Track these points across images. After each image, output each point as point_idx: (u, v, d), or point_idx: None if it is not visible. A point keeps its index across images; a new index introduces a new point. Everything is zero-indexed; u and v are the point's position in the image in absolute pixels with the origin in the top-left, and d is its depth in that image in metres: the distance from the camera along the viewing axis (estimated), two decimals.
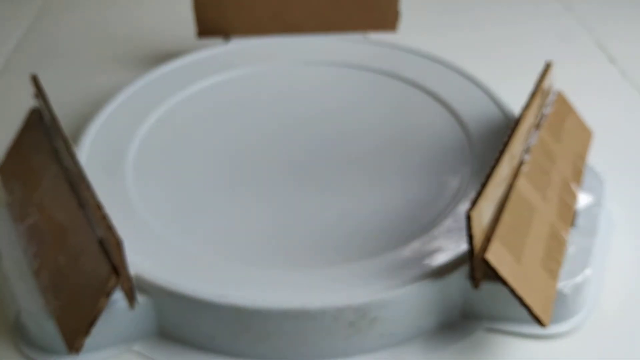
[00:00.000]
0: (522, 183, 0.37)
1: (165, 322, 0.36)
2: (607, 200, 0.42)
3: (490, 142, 0.45)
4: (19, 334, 0.37)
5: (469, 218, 0.31)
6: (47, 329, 0.35)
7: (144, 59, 0.65)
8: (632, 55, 0.65)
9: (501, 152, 0.35)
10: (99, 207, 0.33)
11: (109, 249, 0.33)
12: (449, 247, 0.37)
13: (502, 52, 0.67)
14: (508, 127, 0.46)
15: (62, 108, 0.41)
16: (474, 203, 0.32)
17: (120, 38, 0.69)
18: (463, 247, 0.37)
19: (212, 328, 0.35)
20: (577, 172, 0.42)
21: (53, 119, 0.39)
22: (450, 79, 0.52)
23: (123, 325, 0.36)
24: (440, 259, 0.36)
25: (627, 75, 0.60)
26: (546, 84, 0.44)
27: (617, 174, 0.46)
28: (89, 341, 0.33)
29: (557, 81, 0.47)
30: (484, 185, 0.33)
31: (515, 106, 0.48)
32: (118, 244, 0.31)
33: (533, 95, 0.41)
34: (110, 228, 0.32)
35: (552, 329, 0.36)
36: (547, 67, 0.44)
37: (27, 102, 0.45)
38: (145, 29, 0.71)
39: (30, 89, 0.43)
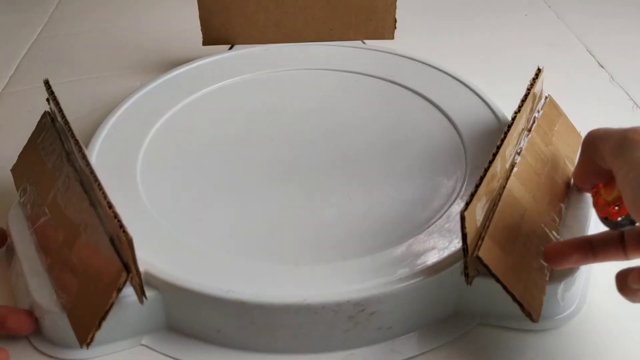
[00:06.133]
0: (513, 184, 0.39)
1: (172, 316, 0.38)
2: None
3: (483, 144, 0.47)
4: None
5: (462, 218, 0.33)
6: (58, 323, 0.36)
7: (152, 66, 0.66)
8: (619, 61, 0.67)
9: (494, 155, 0.37)
10: (110, 206, 0.34)
11: (120, 246, 0.34)
12: (444, 245, 0.39)
13: (494, 57, 0.69)
14: (500, 130, 0.48)
15: (73, 112, 0.42)
16: (467, 204, 0.33)
17: (130, 46, 0.71)
18: (457, 245, 0.38)
19: (218, 322, 0.37)
20: (567, 174, 0.44)
21: (65, 121, 0.41)
22: (445, 84, 0.54)
23: (132, 320, 0.37)
24: (435, 256, 0.38)
25: (615, 80, 0.62)
26: (537, 88, 0.45)
27: None
28: (99, 335, 0.34)
29: (548, 85, 0.48)
30: (477, 187, 0.35)
31: (506, 109, 0.50)
32: (129, 242, 0.33)
33: (524, 99, 0.43)
34: (121, 226, 0.33)
35: (543, 325, 0.38)
36: (538, 72, 0.46)
37: (37, 105, 0.46)
38: (154, 38, 0.72)
39: (41, 93, 0.45)
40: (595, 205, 0.38)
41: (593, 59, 0.67)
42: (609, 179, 0.37)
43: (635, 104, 0.60)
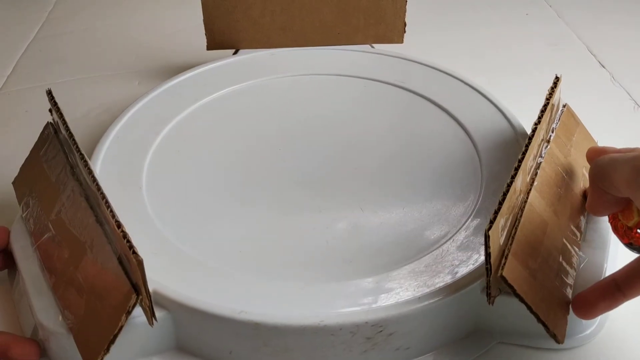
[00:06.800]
0: (534, 198, 0.38)
1: (183, 336, 0.36)
2: None
3: (499, 155, 0.45)
4: None
5: (487, 237, 0.32)
6: (64, 345, 0.35)
7: (152, 67, 0.65)
8: (621, 60, 0.66)
9: (516, 169, 0.36)
10: (118, 225, 0.33)
11: (129, 267, 0.33)
12: (463, 261, 0.37)
13: (494, 56, 0.68)
14: (516, 139, 0.47)
15: (70, 113, 0.41)
16: (491, 222, 0.32)
17: (129, 46, 0.70)
18: (476, 261, 0.37)
19: (230, 343, 0.35)
20: (586, 185, 0.43)
21: (69, 134, 0.39)
22: (457, 90, 0.53)
23: (141, 340, 0.36)
24: (454, 273, 0.37)
25: (616, 79, 0.61)
26: (556, 98, 0.44)
27: None
28: (107, 357, 0.33)
29: (548, 85, 0.47)
30: (500, 204, 0.33)
31: (512, 110, 0.48)
32: (139, 263, 0.31)
33: (544, 110, 0.41)
34: (130, 247, 0.32)
35: (565, 343, 0.37)
36: (557, 81, 0.44)
37: (35, 105, 0.45)
38: (154, 39, 0.71)
39: (39, 93, 0.43)
40: (615, 230, 0.37)
41: (594, 58, 0.66)
42: (625, 205, 0.36)
43: (637, 103, 0.59)
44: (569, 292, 0.36)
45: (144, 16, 0.76)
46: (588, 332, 0.38)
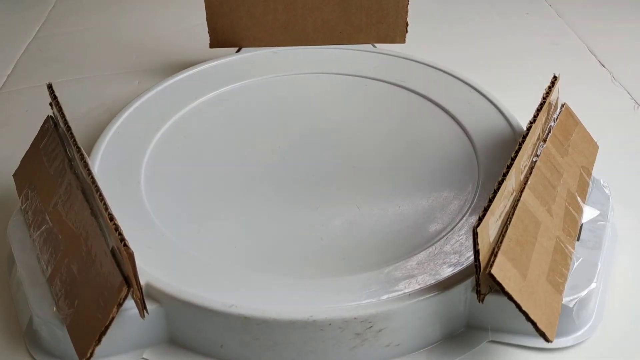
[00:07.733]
0: (528, 197, 0.38)
1: (174, 329, 0.37)
2: (611, 211, 0.43)
3: (497, 154, 0.45)
4: (31, 340, 0.37)
5: (475, 234, 0.32)
6: (58, 335, 0.36)
7: (152, 67, 0.65)
8: (621, 60, 0.66)
9: (508, 167, 0.36)
10: (111, 218, 0.33)
11: (121, 259, 0.33)
12: (455, 259, 0.37)
13: (495, 55, 0.68)
14: (514, 139, 0.46)
15: (70, 112, 0.42)
16: (480, 219, 0.32)
17: (129, 45, 0.70)
18: (469, 259, 0.37)
19: (221, 336, 0.36)
20: (583, 185, 0.43)
21: (67, 127, 0.40)
22: (457, 90, 0.53)
23: (133, 333, 0.36)
24: (446, 271, 0.37)
25: (617, 79, 0.61)
26: (553, 97, 0.44)
27: (616, 178, 0.46)
28: (99, 348, 0.33)
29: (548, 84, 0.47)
30: (490, 201, 0.33)
31: (511, 110, 0.48)
32: (130, 256, 0.32)
33: (540, 108, 0.41)
34: (122, 240, 0.32)
35: (557, 343, 0.37)
36: (554, 81, 0.44)
37: (35, 104, 0.45)
38: (154, 38, 0.72)
39: (39, 93, 0.44)
40: None
41: (594, 58, 0.65)
42: None
43: (637, 103, 0.59)
44: (561, 292, 0.36)
45: (144, 16, 0.77)
46: (580, 332, 0.38)
